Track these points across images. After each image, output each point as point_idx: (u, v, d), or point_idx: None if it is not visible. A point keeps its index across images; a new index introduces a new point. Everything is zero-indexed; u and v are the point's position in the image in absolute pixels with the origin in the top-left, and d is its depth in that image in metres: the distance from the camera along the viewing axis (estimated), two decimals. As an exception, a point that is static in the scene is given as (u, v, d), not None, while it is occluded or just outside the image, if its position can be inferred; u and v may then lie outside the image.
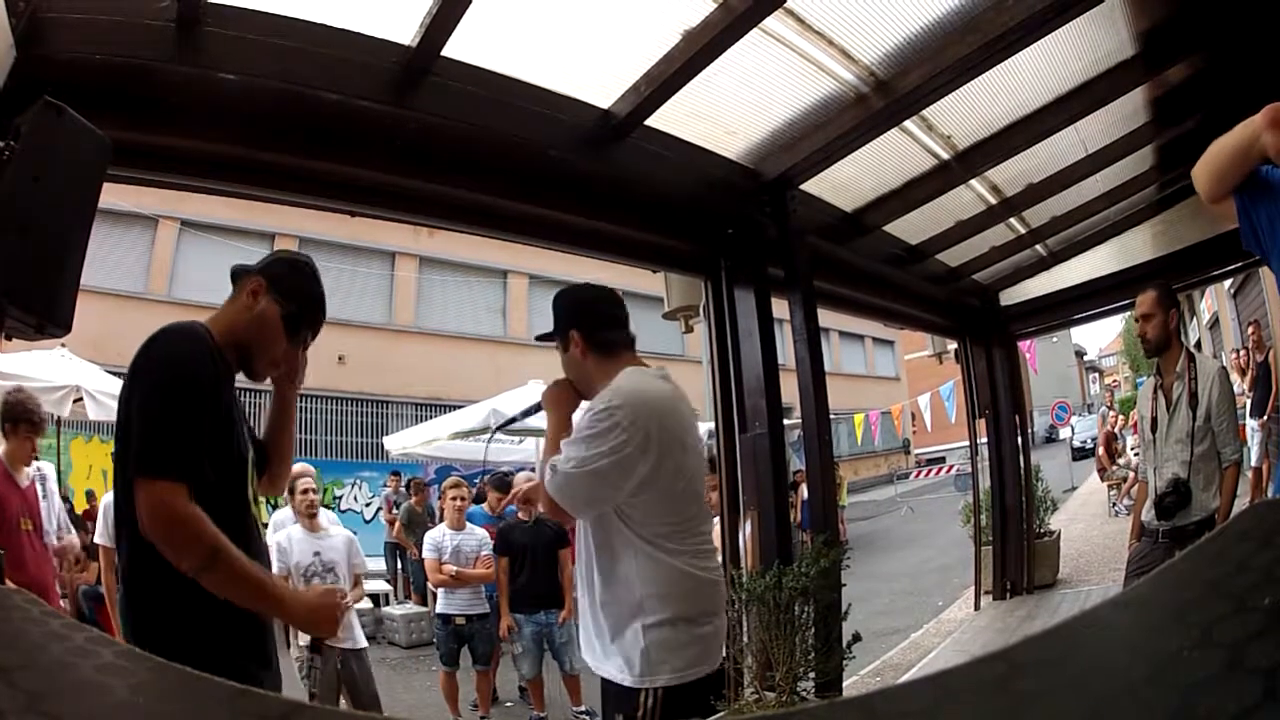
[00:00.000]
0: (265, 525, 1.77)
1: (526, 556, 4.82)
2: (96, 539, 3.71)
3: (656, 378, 1.86)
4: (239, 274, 1.68)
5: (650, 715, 1.70)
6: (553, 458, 1.77)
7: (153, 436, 1.38)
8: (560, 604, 4.81)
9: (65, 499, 7.64)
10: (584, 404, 1.88)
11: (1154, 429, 3.04)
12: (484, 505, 6.08)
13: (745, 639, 3.24)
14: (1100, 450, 11.02)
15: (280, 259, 1.77)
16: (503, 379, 10.75)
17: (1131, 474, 9.50)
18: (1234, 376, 7.95)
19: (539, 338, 2.08)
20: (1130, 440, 11.13)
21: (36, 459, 3.54)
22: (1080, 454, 16.17)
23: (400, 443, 9.17)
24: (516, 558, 4.87)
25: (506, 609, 4.88)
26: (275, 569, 3.70)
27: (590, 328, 1.87)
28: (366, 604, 6.75)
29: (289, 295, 1.64)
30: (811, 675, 3.23)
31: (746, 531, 3.56)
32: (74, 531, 3.75)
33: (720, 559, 3.53)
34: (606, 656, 1.79)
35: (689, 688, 1.74)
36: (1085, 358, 35.27)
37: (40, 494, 3.44)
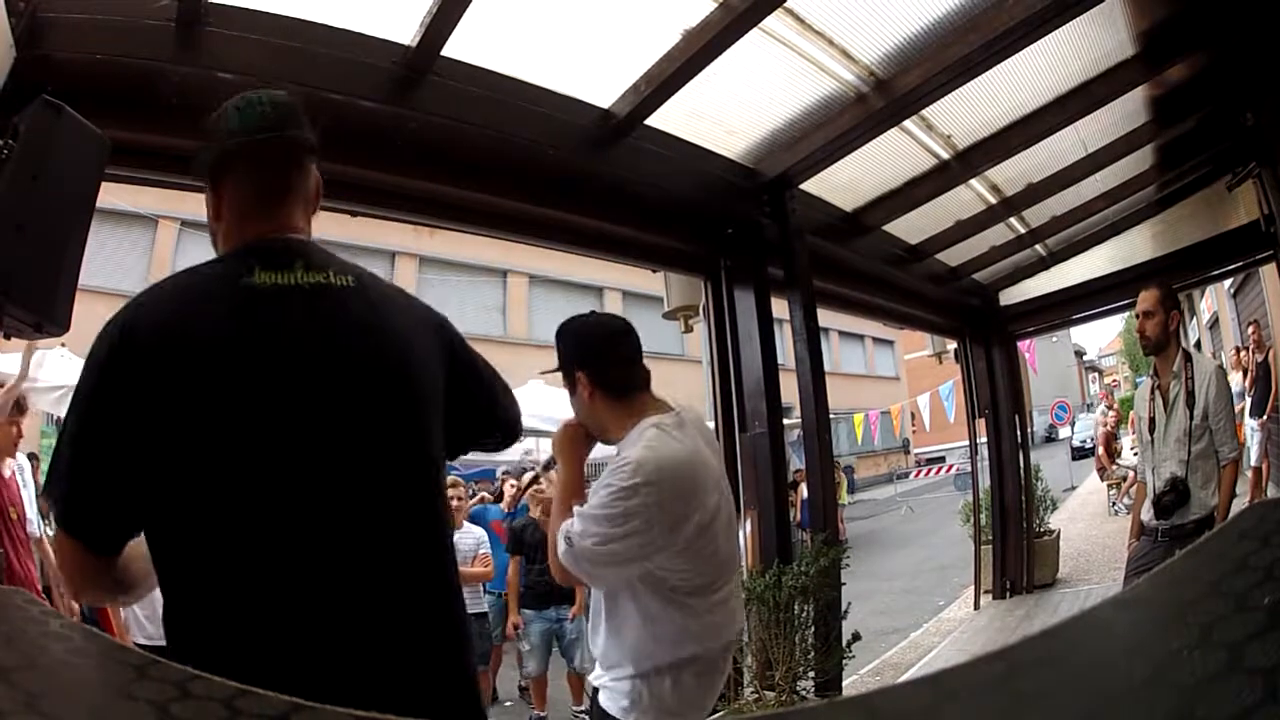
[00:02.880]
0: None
1: (539, 553, 4.81)
2: None
3: (675, 429, 1.64)
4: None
5: None
6: (567, 527, 1.58)
7: None
8: (571, 599, 4.80)
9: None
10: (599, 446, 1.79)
11: (1151, 429, 3.06)
12: (501, 503, 6.09)
13: (745, 638, 3.24)
14: (1100, 450, 11.02)
15: None
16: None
17: (1131, 473, 9.51)
18: (1233, 376, 7.97)
19: (543, 372, 1.92)
20: (1128, 440, 11.14)
21: (16, 462, 3.56)
22: (1080, 454, 16.19)
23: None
24: (529, 555, 4.86)
25: (515, 607, 4.87)
26: None
27: (598, 367, 1.69)
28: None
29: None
30: (811, 674, 3.24)
31: (746, 531, 3.56)
32: (42, 526, 3.79)
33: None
34: (601, 678, 1.72)
35: None
36: (1085, 358, 35.27)
37: (21, 484, 3.48)
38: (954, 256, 5.40)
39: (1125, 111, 3.91)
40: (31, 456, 4.66)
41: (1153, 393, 3.08)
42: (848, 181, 4.00)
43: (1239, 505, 3.19)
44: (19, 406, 3.45)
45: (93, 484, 0.97)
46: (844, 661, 3.28)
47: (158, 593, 3.40)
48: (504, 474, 7.14)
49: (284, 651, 0.97)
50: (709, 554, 1.62)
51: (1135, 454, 9.43)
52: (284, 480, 0.98)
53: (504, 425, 1.34)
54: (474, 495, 6.47)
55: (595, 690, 1.73)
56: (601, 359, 1.70)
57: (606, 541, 1.53)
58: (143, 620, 3.46)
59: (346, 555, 1.01)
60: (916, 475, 23.41)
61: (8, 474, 3.38)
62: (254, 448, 0.97)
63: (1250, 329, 7.72)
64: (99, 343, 1.02)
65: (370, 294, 1.12)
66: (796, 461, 7.25)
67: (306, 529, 0.98)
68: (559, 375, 1.77)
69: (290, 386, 0.99)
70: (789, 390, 3.71)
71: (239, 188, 1.14)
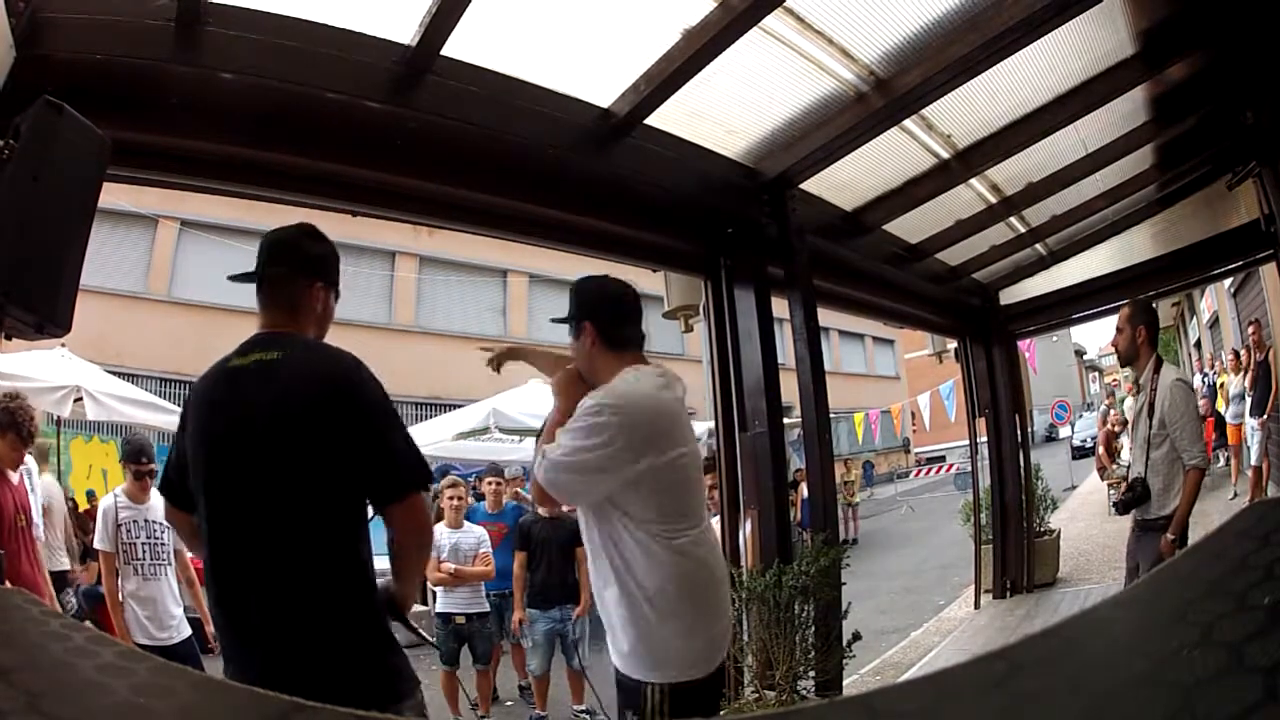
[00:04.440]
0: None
1: (544, 552, 4.81)
2: (96, 544, 3.71)
3: (654, 377, 1.88)
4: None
5: (657, 712, 1.72)
6: (545, 444, 1.82)
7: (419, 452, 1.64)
8: (576, 599, 4.80)
9: (68, 498, 7.66)
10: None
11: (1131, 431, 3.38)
12: (484, 503, 6.07)
13: (745, 638, 3.24)
14: (1101, 449, 11.02)
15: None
16: (502, 379, 10.72)
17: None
18: (1232, 379, 7.96)
19: (553, 320, 2.10)
20: (1128, 440, 11.11)
21: (24, 464, 3.55)
22: (1080, 453, 16.17)
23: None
24: (534, 553, 4.86)
25: (521, 602, 4.87)
26: None
27: (603, 321, 1.90)
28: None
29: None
30: (811, 674, 3.24)
31: (746, 530, 3.56)
32: (42, 527, 3.79)
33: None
34: (615, 649, 1.83)
35: (695, 686, 1.75)
36: (1085, 357, 35.22)
37: (29, 488, 3.47)
38: (954, 256, 5.39)
39: (1125, 111, 3.90)
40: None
41: (1136, 398, 3.37)
42: (848, 181, 4.00)
43: (1239, 505, 3.24)
44: (20, 437, 3.42)
45: (167, 472, 1.72)
46: (844, 661, 3.28)
47: (159, 594, 3.58)
48: (479, 476, 7.00)
49: (226, 627, 1.54)
50: (666, 496, 1.80)
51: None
52: (211, 495, 1.55)
53: (382, 471, 1.57)
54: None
55: (618, 673, 1.83)
56: (607, 313, 1.93)
57: (573, 452, 1.76)
58: (144, 621, 3.45)
59: (250, 554, 1.50)
60: (917, 474, 23.40)
61: (16, 480, 3.38)
62: (203, 471, 1.56)
63: (1250, 329, 7.71)
64: None
65: (285, 366, 1.57)
66: (797, 461, 7.25)
67: (229, 534, 1.53)
68: (564, 328, 1.99)
69: (215, 431, 1.56)
70: (789, 390, 3.71)
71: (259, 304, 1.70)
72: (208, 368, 1.64)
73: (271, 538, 1.47)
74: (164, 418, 7.15)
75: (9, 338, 1.62)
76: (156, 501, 3.70)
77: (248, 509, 1.49)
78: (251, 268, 1.70)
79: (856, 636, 3.33)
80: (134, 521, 3.55)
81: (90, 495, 8.34)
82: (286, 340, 1.61)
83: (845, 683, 3.38)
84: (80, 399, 6.18)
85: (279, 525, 1.48)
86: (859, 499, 13.57)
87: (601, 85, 2.90)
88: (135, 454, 3.70)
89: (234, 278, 1.72)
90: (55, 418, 7.19)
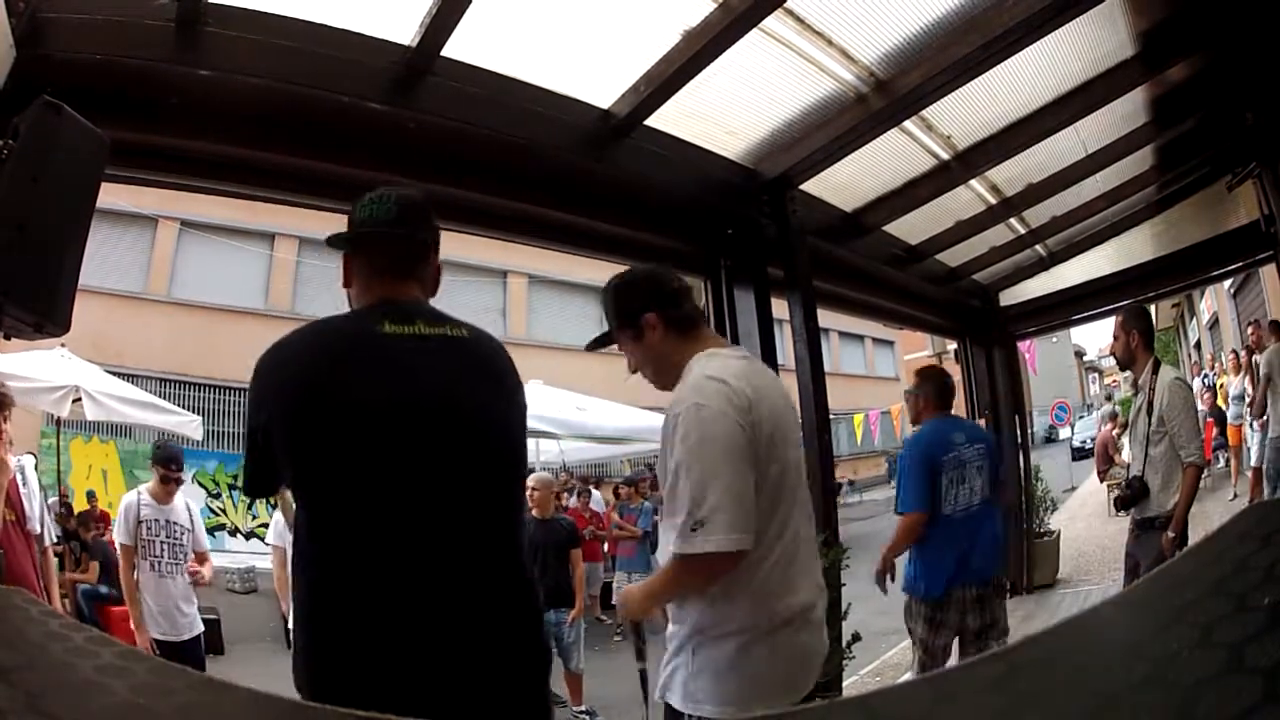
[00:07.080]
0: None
1: (538, 555, 4.80)
2: (115, 537, 3.77)
3: (735, 356, 1.64)
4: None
5: None
6: (688, 517, 1.44)
7: None
8: (571, 603, 4.80)
9: (65, 498, 7.66)
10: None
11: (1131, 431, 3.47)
12: None
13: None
14: (1109, 450, 11.01)
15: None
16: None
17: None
18: (1232, 380, 7.96)
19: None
20: (1128, 441, 11.09)
21: (10, 443, 3.51)
22: (1080, 454, 16.18)
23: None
24: (529, 556, 4.86)
25: None
26: None
27: (666, 305, 1.65)
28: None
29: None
30: (811, 675, 3.23)
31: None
32: (53, 533, 3.80)
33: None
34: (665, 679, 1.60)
35: None
36: (1085, 358, 35.23)
37: (20, 482, 3.46)
38: (954, 257, 5.39)
39: (1125, 112, 3.90)
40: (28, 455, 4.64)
41: (1134, 398, 3.46)
42: (847, 182, 3.99)
43: (1240, 506, 3.27)
44: None
45: (254, 470, 1.32)
46: (844, 662, 3.28)
47: (172, 591, 3.57)
48: None
49: (378, 646, 1.18)
50: (778, 498, 1.51)
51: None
52: (405, 486, 1.22)
53: None
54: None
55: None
56: (668, 296, 1.68)
57: (708, 478, 1.42)
58: (157, 617, 3.52)
59: (444, 562, 1.23)
60: (916, 476, 23.32)
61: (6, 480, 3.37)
62: (378, 466, 1.21)
63: (1250, 329, 7.72)
64: (254, 374, 1.28)
65: (484, 345, 1.40)
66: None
67: (413, 536, 1.21)
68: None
69: (414, 417, 1.23)
70: (789, 391, 3.71)
71: (368, 265, 1.40)
72: (314, 331, 1.33)
73: (471, 533, 1.27)
74: (163, 418, 7.16)
75: (8, 337, 1.61)
76: (179, 504, 3.76)
77: (444, 498, 1.24)
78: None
79: (856, 637, 3.33)
80: (155, 520, 3.66)
81: (90, 495, 8.36)
82: (443, 315, 1.38)
83: (845, 684, 3.38)
84: (79, 399, 6.18)
85: (484, 522, 1.30)
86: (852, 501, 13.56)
87: (602, 86, 2.90)
88: (166, 460, 3.78)
89: (335, 239, 1.40)
90: (55, 418, 7.19)
